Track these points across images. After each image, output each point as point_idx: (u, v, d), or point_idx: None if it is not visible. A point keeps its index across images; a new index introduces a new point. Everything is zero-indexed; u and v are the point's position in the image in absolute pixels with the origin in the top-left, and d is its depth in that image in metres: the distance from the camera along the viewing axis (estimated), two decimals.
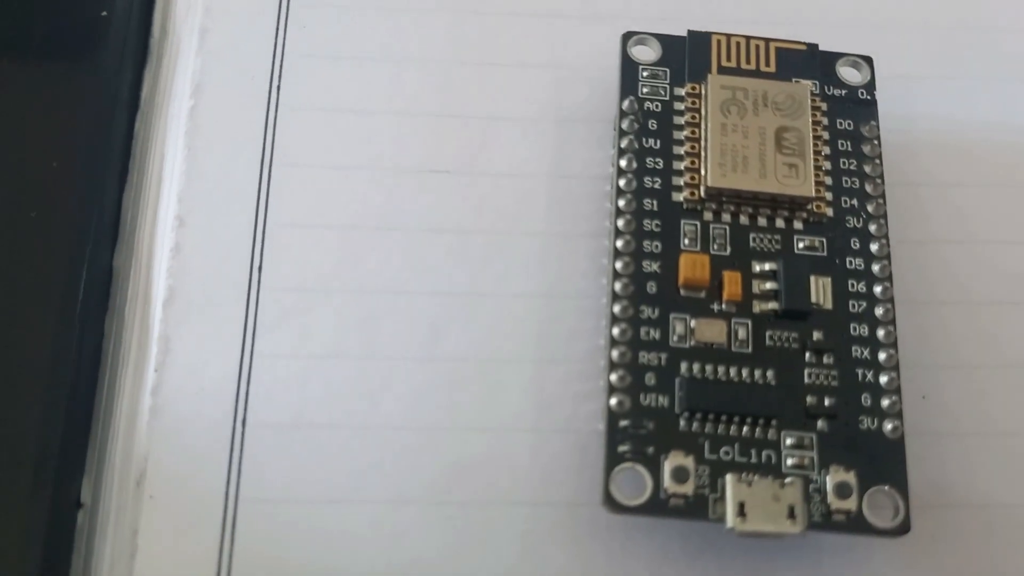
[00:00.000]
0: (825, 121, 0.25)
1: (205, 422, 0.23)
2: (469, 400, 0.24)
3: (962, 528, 0.23)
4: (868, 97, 0.25)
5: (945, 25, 0.28)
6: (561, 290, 0.25)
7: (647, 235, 0.23)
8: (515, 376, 0.24)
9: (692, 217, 0.24)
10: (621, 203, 0.24)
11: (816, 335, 0.23)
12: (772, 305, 0.23)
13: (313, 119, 0.26)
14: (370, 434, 0.23)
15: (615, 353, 0.22)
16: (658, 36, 0.25)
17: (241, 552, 0.22)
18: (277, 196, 0.25)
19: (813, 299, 0.23)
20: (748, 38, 0.25)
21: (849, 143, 0.25)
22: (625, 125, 0.24)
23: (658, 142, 0.24)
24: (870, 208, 0.24)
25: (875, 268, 0.23)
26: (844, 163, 0.24)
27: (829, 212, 0.24)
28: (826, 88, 0.25)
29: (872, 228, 0.24)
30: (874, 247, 0.24)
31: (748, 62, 0.25)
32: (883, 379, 0.22)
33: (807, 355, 0.23)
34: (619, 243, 0.23)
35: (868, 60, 0.25)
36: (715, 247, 0.23)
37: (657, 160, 0.24)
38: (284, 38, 0.27)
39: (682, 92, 0.25)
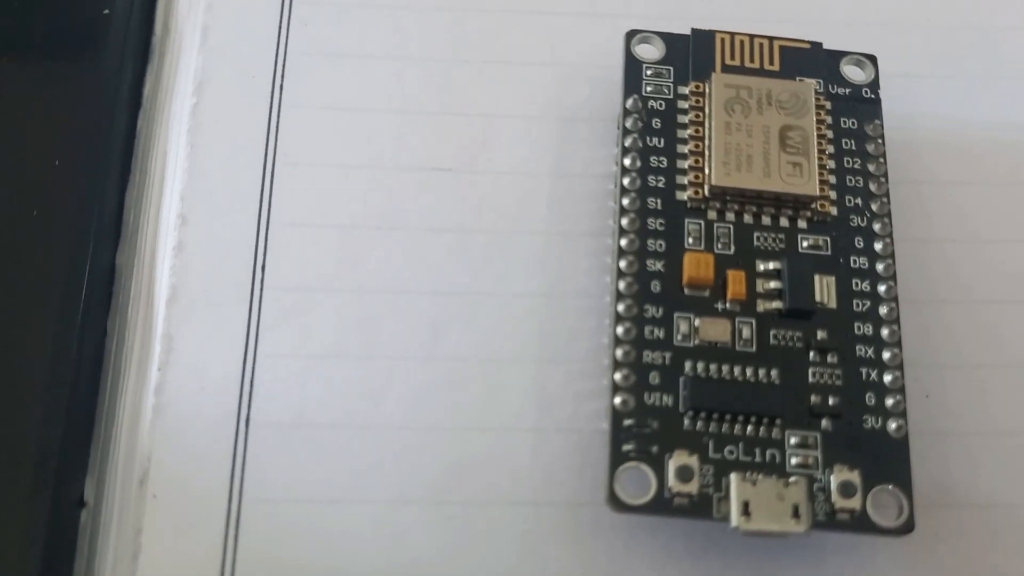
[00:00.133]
0: (829, 120, 0.25)
1: (208, 421, 0.23)
2: (470, 400, 0.24)
3: (966, 528, 0.23)
4: (872, 96, 0.25)
5: (947, 25, 0.28)
6: (562, 289, 0.25)
7: (651, 234, 0.23)
8: (516, 375, 0.24)
9: (696, 216, 0.24)
10: (625, 202, 0.24)
11: (820, 334, 0.23)
12: (776, 304, 0.23)
13: (315, 117, 0.26)
14: (371, 433, 0.23)
15: (619, 352, 0.22)
16: (662, 34, 0.25)
17: (244, 551, 0.22)
18: (279, 194, 0.25)
19: (817, 298, 0.23)
20: (752, 36, 0.25)
21: (853, 142, 0.25)
22: (629, 123, 0.24)
23: (662, 140, 0.24)
24: (874, 207, 0.24)
25: (879, 267, 0.23)
26: (848, 162, 0.24)
27: (833, 211, 0.24)
28: (830, 87, 0.25)
29: (876, 227, 0.24)
30: (878, 246, 0.24)
31: (752, 60, 0.25)
32: (887, 378, 0.22)
33: (811, 354, 0.23)
34: (623, 242, 0.23)
35: (872, 59, 0.25)
36: (719, 246, 0.23)
37: (661, 159, 0.24)
38: (286, 36, 0.27)
39: (686, 90, 0.25)
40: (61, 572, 0.22)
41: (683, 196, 0.24)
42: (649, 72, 0.25)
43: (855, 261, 0.23)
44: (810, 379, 0.22)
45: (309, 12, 0.27)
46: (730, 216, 0.24)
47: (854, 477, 0.22)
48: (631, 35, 0.25)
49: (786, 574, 0.23)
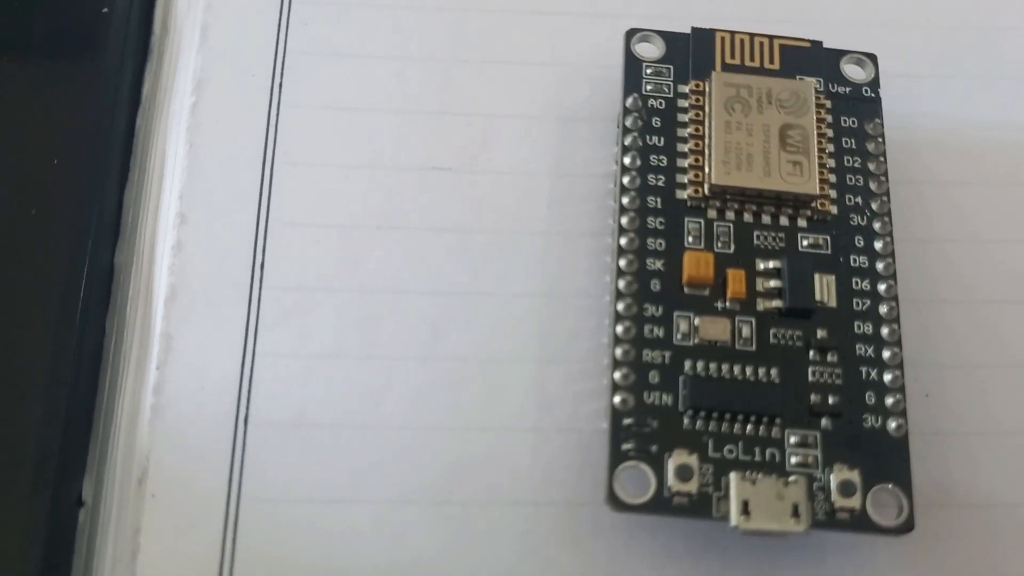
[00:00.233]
0: (829, 119, 0.25)
1: (207, 420, 0.23)
2: (470, 399, 0.24)
3: (965, 527, 0.23)
4: (872, 94, 0.25)
5: (947, 25, 0.28)
6: (562, 289, 0.25)
7: (651, 233, 0.23)
8: (516, 375, 0.24)
9: (696, 215, 0.24)
10: (625, 200, 0.24)
11: (820, 333, 0.23)
12: (776, 303, 0.23)
13: (314, 117, 0.26)
14: (371, 433, 0.23)
15: (619, 351, 0.22)
16: (662, 33, 0.25)
17: (243, 551, 0.22)
18: (278, 194, 0.25)
19: (817, 297, 0.23)
20: (752, 35, 0.25)
21: (853, 140, 0.25)
22: (629, 122, 0.24)
23: (662, 139, 0.24)
24: (874, 206, 0.24)
25: (879, 266, 0.23)
26: (848, 160, 0.24)
27: (833, 210, 0.24)
28: (830, 85, 0.25)
29: (876, 226, 0.24)
30: (878, 245, 0.24)
31: (752, 59, 0.25)
32: (887, 377, 0.22)
33: (811, 353, 0.23)
34: (623, 241, 0.23)
35: (872, 57, 0.25)
36: (719, 245, 0.23)
37: (661, 157, 0.24)
38: (286, 35, 0.27)
39: (686, 89, 0.25)
40: (60, 571, 0.22)
41: (683, 195, 0.24)
42: (649, 71, 0.25)
43: (855, 260, 0.23)
44: (810, 378, 0.22)
45: (309, 11, 0.27)
46: (730, 215, 0.24)
47: (854, 476, 0.22)
48: (631, 34, 0.25)
49: (786, 574, 0.23)
